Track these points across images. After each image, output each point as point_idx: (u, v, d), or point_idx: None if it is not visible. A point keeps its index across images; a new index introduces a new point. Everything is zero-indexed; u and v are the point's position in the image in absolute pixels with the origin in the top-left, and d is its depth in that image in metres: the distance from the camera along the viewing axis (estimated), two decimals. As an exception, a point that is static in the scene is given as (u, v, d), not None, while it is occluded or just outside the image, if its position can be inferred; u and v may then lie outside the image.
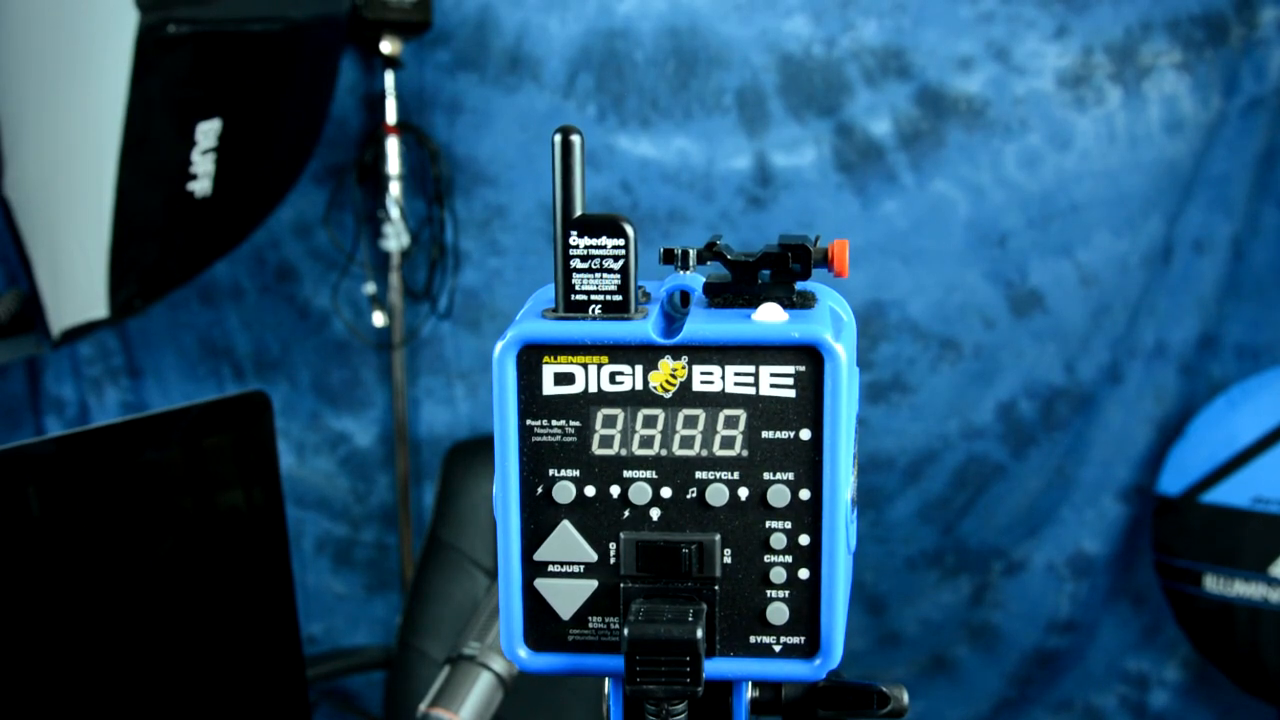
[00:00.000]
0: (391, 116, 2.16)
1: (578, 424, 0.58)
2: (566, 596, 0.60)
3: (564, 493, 0.59)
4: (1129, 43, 2.11)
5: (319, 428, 2.36)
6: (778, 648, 0.59)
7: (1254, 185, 2.16)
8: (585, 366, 0.57)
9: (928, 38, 2.12)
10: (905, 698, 0.65)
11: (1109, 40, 2.11)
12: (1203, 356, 2.24)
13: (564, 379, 0.58)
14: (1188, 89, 2.12)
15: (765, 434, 0.57)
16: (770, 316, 0.57)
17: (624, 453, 0.58)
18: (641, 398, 0.58)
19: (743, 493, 0.58)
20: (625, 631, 0.56)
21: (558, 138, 0.57)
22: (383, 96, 2.16)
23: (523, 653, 0.60)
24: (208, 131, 1.72)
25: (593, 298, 0.57)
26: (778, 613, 0.59)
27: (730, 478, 0.58)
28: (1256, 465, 2.09)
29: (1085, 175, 2.15)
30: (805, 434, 0.57)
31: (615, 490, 0.59)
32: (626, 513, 0.59)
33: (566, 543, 0.59)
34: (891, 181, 2.17)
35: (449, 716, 0.91)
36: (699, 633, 0.56)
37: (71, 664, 1.09)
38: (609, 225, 0.56)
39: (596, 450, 0.58)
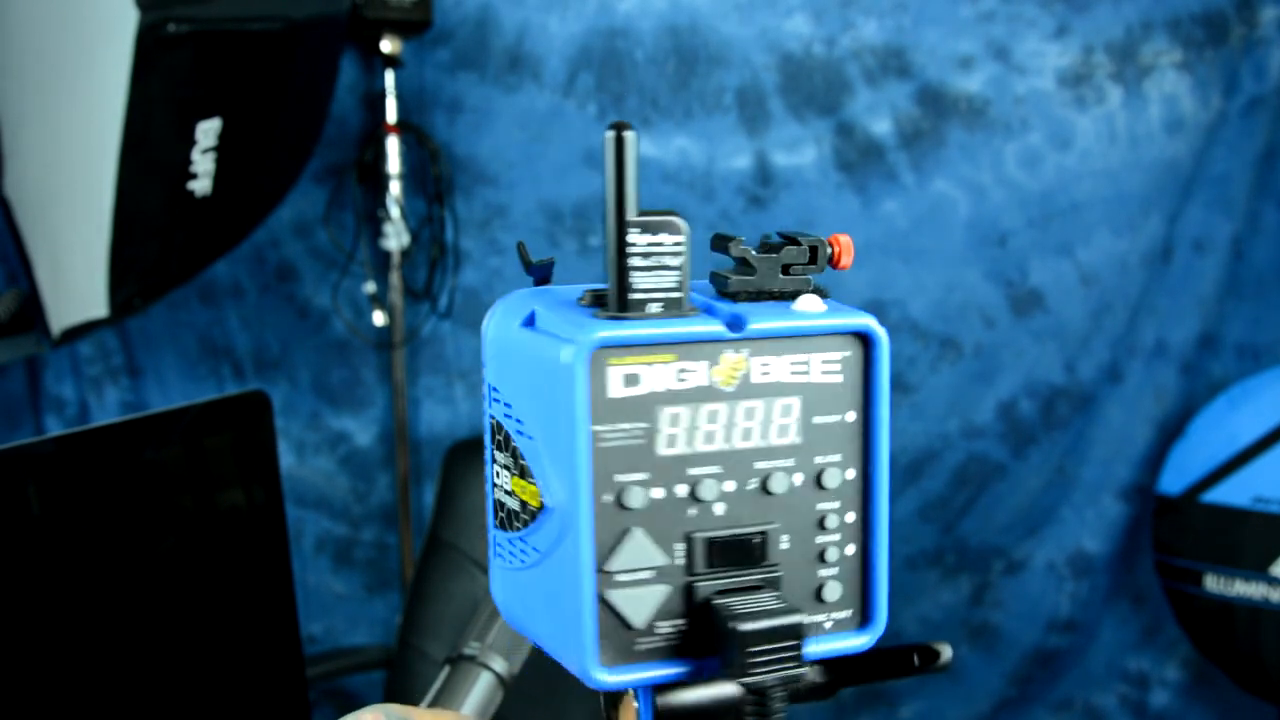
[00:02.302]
0: (391, 116, 2.16)
1: (644, 425, 0.57)
2: (638, 604, 0.58)
3: (633, 497, 0.57)
4: (1129, 42, 2.11)
5: (319, 427, 2.35)
6: (829, 624, 0.60)
7: (1254, 185, 2.16)
8: (651, 366, 0.57)
9: (928, 37, 2.12)
10: (948, 652, 0.67)
11: (1109, 39, 2.11)
12: (1203, 356, 2.24)
13: (631, 380, 0.57)
14: (1188, 88, 2.12)
15: (816, 419, 0.59)
16: (812, 307, 0.59)
17: (689, 450, 0.58)
18: (706, 393, 0.57)
19: (798, 478, 0.59)
20: (731, 627, 0.55)
21: (610, 134, 0.55)
22: (383, 96, 2.16)
23: (601, 675, 0.57)
24: (208, 131, 1.71)
25: (651, 295, 0.57)
26: (833, 590, 0.60)
27: (787, 464, 0.59)
28: (1257, 465, 2.09)
29: (1085, 175, 2.15)
30: (851, 416, 0.59)
31: (682, 489, 0.58)
32: (694, 510, 0.58)
33: (637, 549, 0.57)
34: (892, 181, 2.17)
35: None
36: (800, 617, 0.56)
37: (72, 663, 1.09)
38: (667, 223, 0.56)
39: (663, 450, 0.57)
